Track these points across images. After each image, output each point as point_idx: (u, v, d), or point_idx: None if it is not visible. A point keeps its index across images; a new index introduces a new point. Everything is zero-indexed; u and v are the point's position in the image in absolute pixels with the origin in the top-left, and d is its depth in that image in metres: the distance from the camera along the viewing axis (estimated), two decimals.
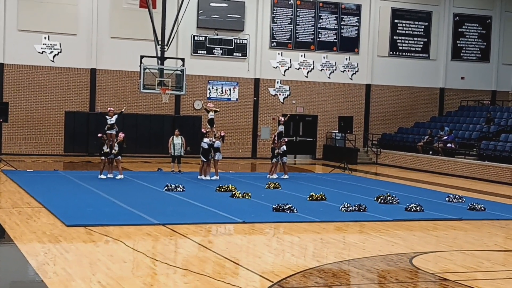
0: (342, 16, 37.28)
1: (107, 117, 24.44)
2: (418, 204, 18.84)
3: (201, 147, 24.76)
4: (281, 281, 10.77)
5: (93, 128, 31.95)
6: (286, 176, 26.08)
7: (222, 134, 25.21)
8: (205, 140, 24.59)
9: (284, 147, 26.15)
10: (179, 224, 15.28)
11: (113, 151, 23.85)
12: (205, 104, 28.04)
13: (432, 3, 39.01)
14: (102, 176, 23.72)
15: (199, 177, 24.72)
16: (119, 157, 24.11)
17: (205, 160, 24.68)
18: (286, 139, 27.01)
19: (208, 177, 24.58)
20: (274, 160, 26.28)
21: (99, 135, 24.19)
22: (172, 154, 26.51)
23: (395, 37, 38.45)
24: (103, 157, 23.98)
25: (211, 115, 25.67)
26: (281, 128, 26.80)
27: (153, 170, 27.77)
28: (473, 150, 32.23)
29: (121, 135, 24.07)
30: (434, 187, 25.70)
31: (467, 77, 39.92)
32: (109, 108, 25.46)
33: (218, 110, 28.10)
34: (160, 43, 28.21)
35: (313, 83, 36.95)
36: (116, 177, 23.79)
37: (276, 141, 26.33)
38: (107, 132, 24.24)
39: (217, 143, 24.73)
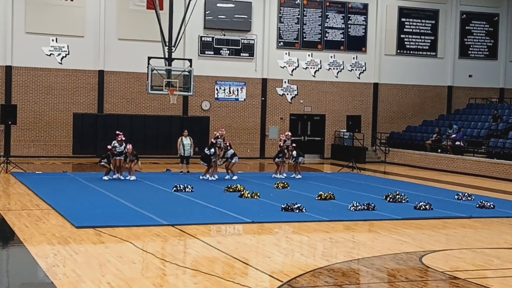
0: (349, 15, 37.23)
1: (117, 145, 24.04)
2: (427, 202, 18.79)
3: (204, 151, 24.81)
4: (291, 280, 10.76)
5: (102, 129, 32.05)
6: (299, 176, 26.16)
7: (227, 144, 25.27)
8: (211, 150, 24.62)
9: (295, 153, 26.23)
10: (188, 225, 15.30)
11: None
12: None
13: (439, 1, 38.90)
14: (109, 177, 23.75)
15: (201, 177, 24.71)
16: (137, 160, 24.15)
17: (206, 164, 24.76)
18: (294, 144, 26.98)
19: (213, 177, 24.62)
20: (278, 159, 26.29)
21: (109, 147, 24.03)
22: (182, 154, 26.57)
23: (402, 36, 38.38)
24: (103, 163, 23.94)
25: (219, 141, 25.52)
26: (288, 142, 26.64)
27: (161, 171, 27.82)
28: (482, 148, 32.12)
29: (129, 146, 23.93)
30: (443, 185, 25.64)
31: (475, 75, 39.80)
32: (118, 136, 24.24)
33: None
34: (167, 44, 28.20)
35: (320, 83, 36.92)
36: (127, 178, 23.85)
37: (284, 144, 26.34)
38: (116, 158, 24.00)
39: (230, 152, 24.84)
